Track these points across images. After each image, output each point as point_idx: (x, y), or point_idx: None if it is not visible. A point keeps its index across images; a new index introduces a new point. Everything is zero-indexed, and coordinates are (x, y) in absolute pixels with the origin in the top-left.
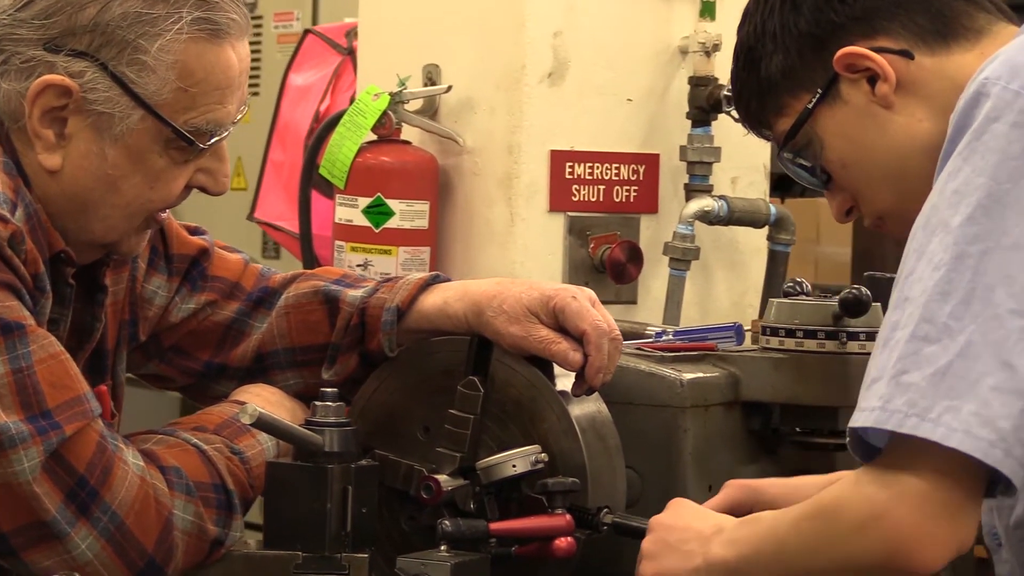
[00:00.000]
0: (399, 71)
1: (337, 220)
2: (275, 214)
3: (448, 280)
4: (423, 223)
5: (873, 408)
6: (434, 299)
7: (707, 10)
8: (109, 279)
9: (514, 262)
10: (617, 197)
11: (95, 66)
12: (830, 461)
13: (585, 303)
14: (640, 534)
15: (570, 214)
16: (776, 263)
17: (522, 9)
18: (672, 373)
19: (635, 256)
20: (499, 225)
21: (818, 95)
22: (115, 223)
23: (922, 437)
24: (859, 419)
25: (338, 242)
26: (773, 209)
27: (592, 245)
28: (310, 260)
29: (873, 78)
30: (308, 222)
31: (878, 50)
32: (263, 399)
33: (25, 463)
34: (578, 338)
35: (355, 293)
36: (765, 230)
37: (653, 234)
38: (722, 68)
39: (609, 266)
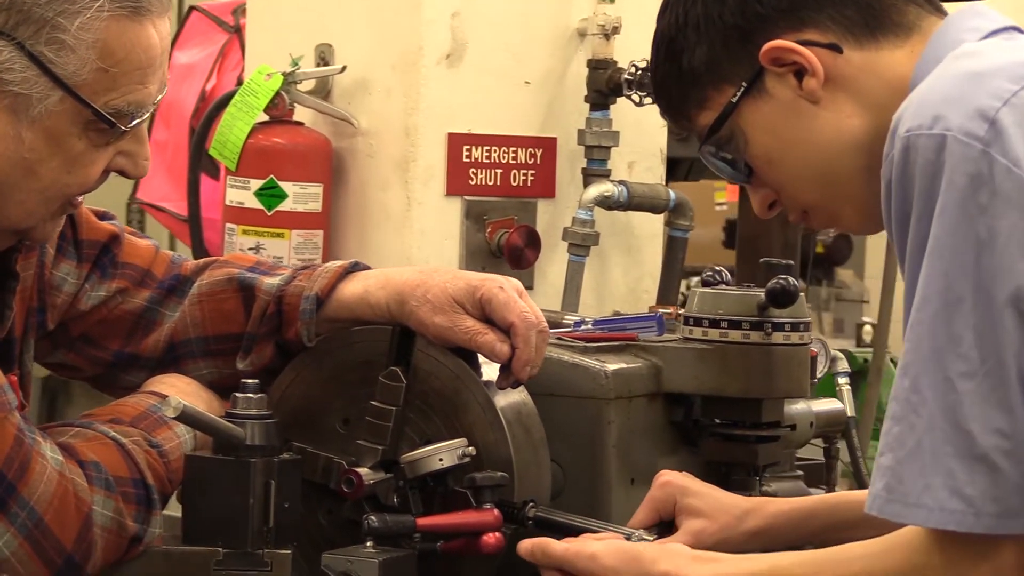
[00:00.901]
0: (290, 51)
1: (228, 202)
2: (159, 195)
3: (368, 268)
4: (316, 206)
5: (871, 493)
6: (354, 287)
7: None
8: (19, 266)
9: (411, 246)
10: (514, 181)
11: (11, 45)
12: (751, 452)
13: (512, 294)
14: (564, 530)
15: (467, 198)
16: (675, 248)
17: None
18: (596, 364)
19: (533, 241)
20: (395, 209)
21: (743, 89)
22: (32, 208)
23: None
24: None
25: (229, 224)
26: (672, 195)
27: (489, 230)
28: (199, 243)
29: (800, 72)
30: (197, 204)
31: (805, 43)
32: (178, 389)
33: None
34: (505, 329)
35: (271, 281)
36: (660, 216)
37: (550, 219)
38: (621, 51)
39: (507, 251)
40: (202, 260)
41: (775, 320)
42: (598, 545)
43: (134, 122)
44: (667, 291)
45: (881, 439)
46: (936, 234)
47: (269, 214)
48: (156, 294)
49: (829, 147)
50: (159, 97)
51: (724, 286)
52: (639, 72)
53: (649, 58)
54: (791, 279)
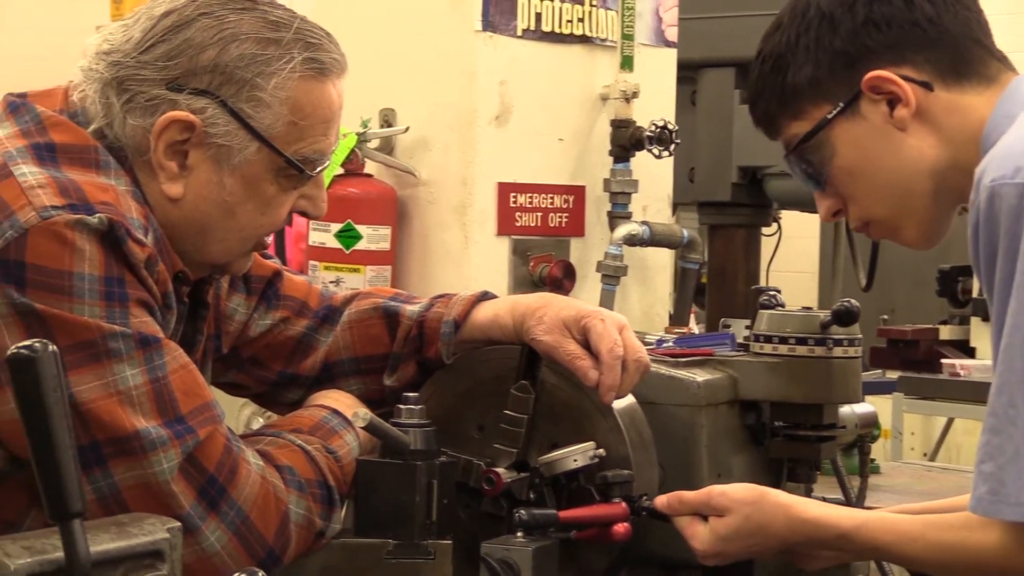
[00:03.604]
0: (360, 114)
1: (312, 243)
2: None
3: (495, 297)
4: (386, 245)
5: (975, 496)
6: (486, 312)
7: (626, 63)
8: (208, 297)
9: (468, 279)
10: (552, 222)
11: (215, 103)
12: (814, 450)
13: (610, 328)
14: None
15: (514, 237)
16: (687, 279)
17: (474, 61)
18: (688, 376)
19: (570, 273)
20: (454, 247)
21: (840, 108)
22: (231, 246)
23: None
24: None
25: (312, 261)
26: (685, 233)
27: (532, 264)
28: None
29: (893, 101)
30: (283, 245)
31: (903, 78)
32: (342, 403)
33: (164, 464)
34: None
35: (412, 308)
36: (670, 251)
37: (581, 254)
38: (639, 112)
39: (548, 282)
40: (348, 292)
41: (835, 337)
42: (727, 486)
43: (318, 168)
44: (681, 315)
45: (980, 449)
46: (1022, 269)
47: (347, 252)
48: (312, 322)
49: (907, 169)
50: (336, 146)
51: (781, 308)
52: (658, 130)
53: (751, 72)
54: (853, 302)
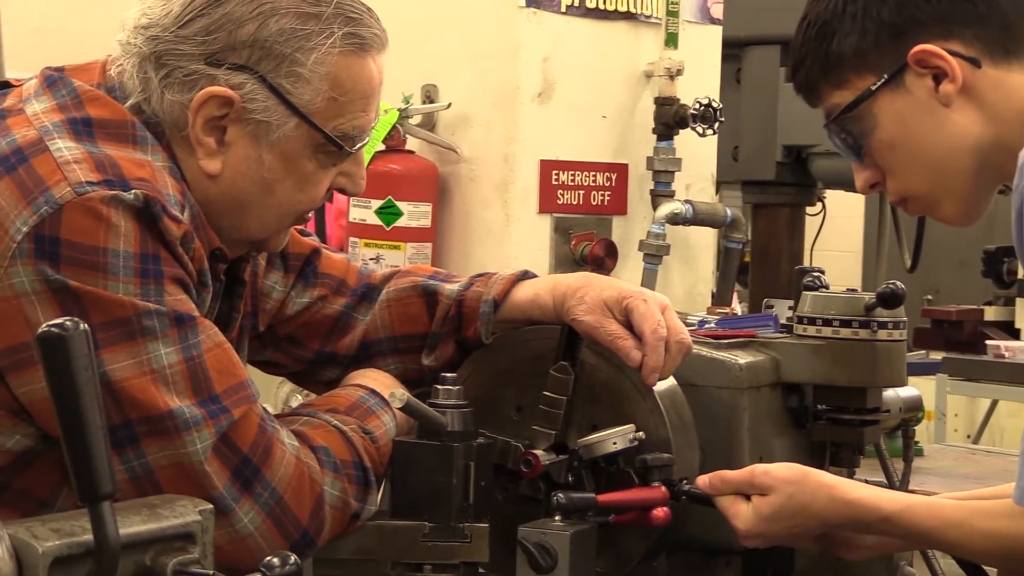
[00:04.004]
0: (401, 90)
1: (351, 219)
2: None
3: (535, 276)
4: (426, 222)
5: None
6: (526, 291)
7: (671, 40)
8: (245, 275)
9: (508, 257)
10: (594, 201)
11: (254, 78)
12: (857, 434)
13: (653, 308)
14: (711, 503)
15: (555, 215)
16: (730, 258)
17: (516, 37)
18: (730, 358)
19: (612, 252)
20: (495, 224)
21: (884, 79)
22: (269, 222)
23: None
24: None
25: (352, 238)
26: (728, 212)
27: (574, 242)
28: None
29: (939, 76)
30: (323, 222)
31: (950, 52)
32: (379, 383)
33: (198, 444)
34: (640, 338)
35: (451, 287)
36: (713, 230)
37: (623, 233)
38: (684, 90)
39: (590, 260)
40: (388, 270)
41: (880, 319)
42: (770, 465)
43: (357, 145)
44: (723, 295)
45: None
46: None
47: (387, 229)
48: (351, 300)
49: (949, 145)
50: (375, 123)
51: (825, 289)
52: (702, 107)
53: (795, 36)
54: (899, 284)
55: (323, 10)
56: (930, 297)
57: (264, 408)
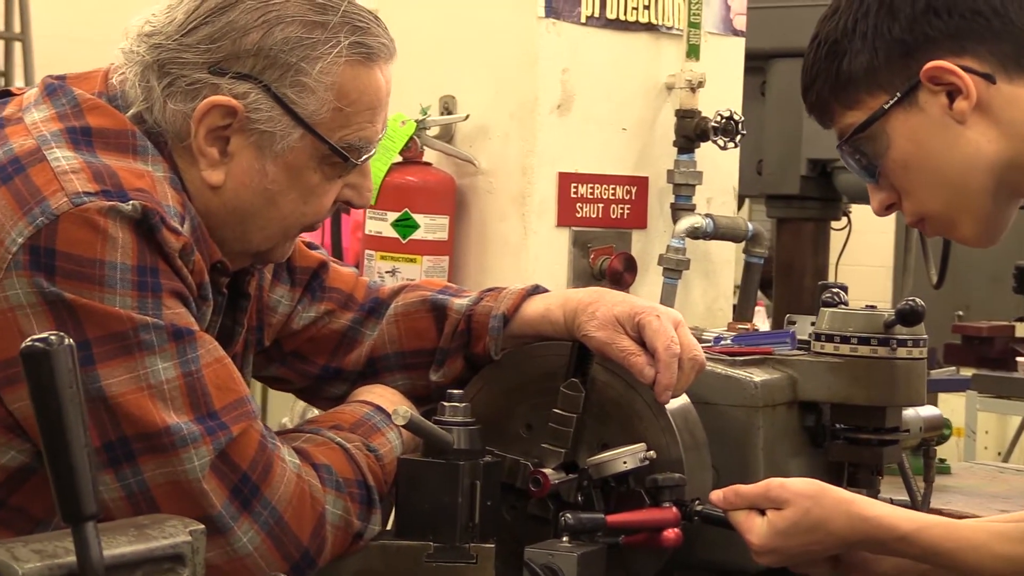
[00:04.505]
0: (419, 101)
1: (368, 232)
2: None
3: (546, 291)
4: (443, 235)
5: None
6: (536, 306)
7: (692, 51)
8: (249, 288)
9: (526, 271)
10: (613, 214)
11: (258, 88)
12: (876, 455)
13: (666, 324)
14: (726, 524)
15: (574, 229)
16: (751, 273)
17: (535, 48)
18: (745, 375)
19: (631, 266)
20: (513, 238)
21: (896, 98)
22: (272, 234)
23: None
24: None
25: (368, 251)
26: (750, 226)
27: (592, 256)
28: None
29: (952, 93)
30: (339, 235)
31: (964, 68)
32: (385, 399)
33: (196, 461)
34: (652, 354)
35: (461, 301)
36: (734, 244)
37: (643, 247)
38: (705, 102)
39: (609, 274)
40: (397, 284)
41: (899, 337)
42: (787, 479)
43: (363, 157)
44: (744, 310)
45: None
46: None
47: (404, 242)
48: (358, 315)
49: (965, 164)
50: (382, 134)
51: (844, 306)
52: (723, 120)
53: (806, 56)
54: (918, 301)
55: (329, 19)
56: (961, 313)
57: (265, 425)
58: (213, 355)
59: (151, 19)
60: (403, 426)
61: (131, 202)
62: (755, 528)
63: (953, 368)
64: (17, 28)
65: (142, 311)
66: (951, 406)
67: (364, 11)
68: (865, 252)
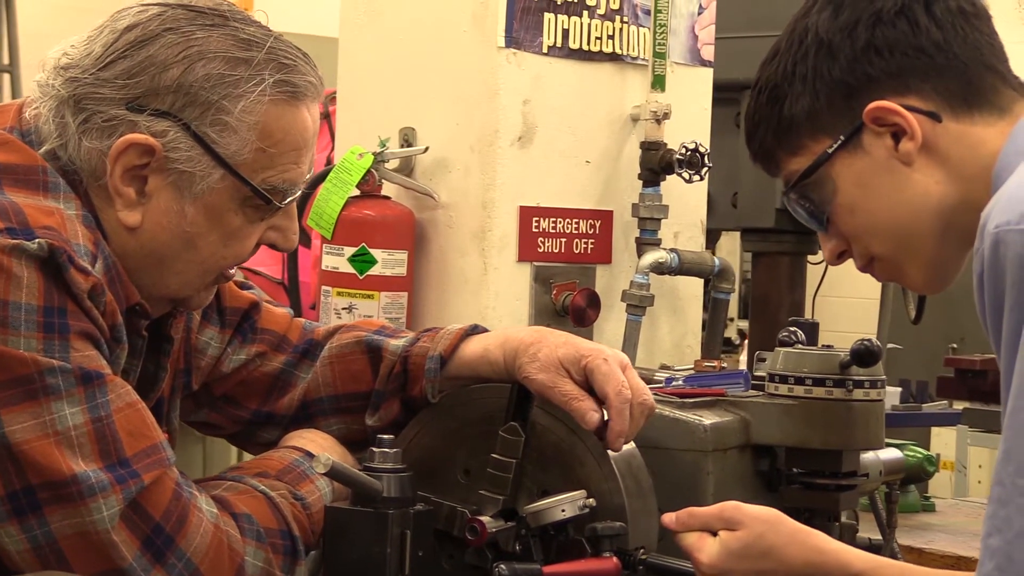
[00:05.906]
0: (378, 133)
1: (324, 267)
2: (255, 261)
3: (486, 331)
4: (402, 271)
5: (980, 573)
6: (475, 347)
7: (658, 82)
8: (174, 331)
9: (486, 307)
10: (576, 249)
11: (178, 126)
12: (832, 500)
13: (615, 368)
14: (672, 573)
15: (536, 264)
16: (718, 309)
17: (495, 79)
18: (695, 419)
19: (594, 302)
20: (472, 273)
21: (840, 141)
22: (190, 279)
23: None
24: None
25: (325, 287)
26: (717, 261)
27: (555, 292)
28: (296, 304)
29: (897, 134)
30: (295, 269)
31: (908, 108)
32: (317, 444)
33: (104, 512)
34: (602, 400)
35: (396, 343)
36: (700, 280)
37: (607, 282)
38: (672, 134)
39: (572, 311)
40: (332, 325)
41: (855, 378)
42: (744, 504)
43: (287, 199)
44: (711, 347)
45: (986, 522)
46: None
47: (361, 278)
48: (291, 357)
49: (912, 207)
50: (309, 175)
51: (801, 346)
52: (688, 152)
53: (748, 103)
54: (875, 340)
55: (254, 55)
56: (954, 346)
57: (181, 472)
58: (125, 399)
59: (68, 51)
60: (325, 474)
61: (37, 240)
62: (705, 548)
63: (946, 402)
64: (6, 60)
65: (48, 353)
66: (943, 440)
67: (291, 48)
68: (852, 284)
